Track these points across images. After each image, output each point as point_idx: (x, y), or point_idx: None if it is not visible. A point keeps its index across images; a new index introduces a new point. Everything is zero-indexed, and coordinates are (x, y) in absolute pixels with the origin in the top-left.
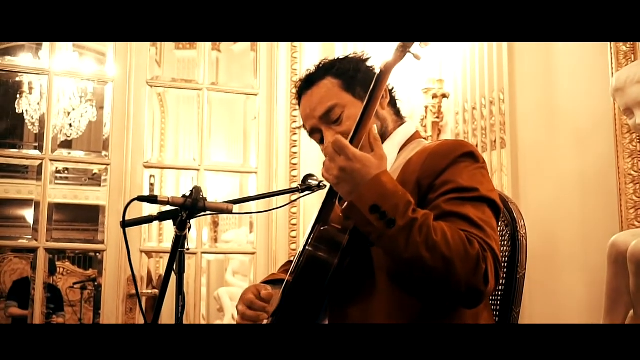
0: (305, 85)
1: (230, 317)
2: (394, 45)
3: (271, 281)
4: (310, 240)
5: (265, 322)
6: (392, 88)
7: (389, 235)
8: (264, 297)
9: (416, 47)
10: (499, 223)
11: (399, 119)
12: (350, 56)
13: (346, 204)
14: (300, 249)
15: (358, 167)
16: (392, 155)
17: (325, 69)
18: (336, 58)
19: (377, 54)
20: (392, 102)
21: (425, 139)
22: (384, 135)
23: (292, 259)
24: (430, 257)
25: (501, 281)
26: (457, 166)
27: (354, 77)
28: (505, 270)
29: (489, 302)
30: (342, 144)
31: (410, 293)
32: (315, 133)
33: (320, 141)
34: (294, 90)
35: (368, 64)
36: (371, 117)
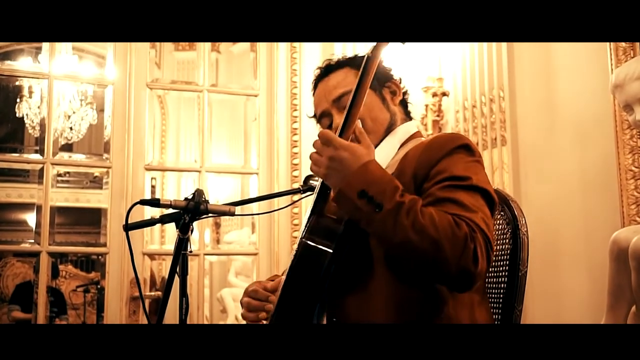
0: (323, 72)
1: (233, 318)
2: (394, 45)
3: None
4: (305, 232)
5: (265, 319)
6: (406, 90)
7: (377, 219)
8: (270, 288)
9: None
10: (499, 220)
11: (407, 118)
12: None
13: (336, 191)
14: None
15: (346, 156)
16: (392, 150)
17: (345, 61)
18: (355, 54)
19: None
20: (403, 103)
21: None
22: (389, 129)
23: None
24: (419, 240)
25: (503, 279)
26: (452, 157)
27: None
28: (507, 268)
29: (486, 296)
30: (329, 136)
31: (407, 281)
32: (324, 117)
33: (329, 126)
34: (295, 91)
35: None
36: (361, 103)
